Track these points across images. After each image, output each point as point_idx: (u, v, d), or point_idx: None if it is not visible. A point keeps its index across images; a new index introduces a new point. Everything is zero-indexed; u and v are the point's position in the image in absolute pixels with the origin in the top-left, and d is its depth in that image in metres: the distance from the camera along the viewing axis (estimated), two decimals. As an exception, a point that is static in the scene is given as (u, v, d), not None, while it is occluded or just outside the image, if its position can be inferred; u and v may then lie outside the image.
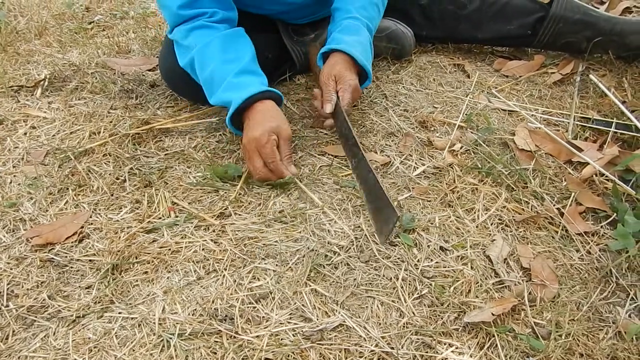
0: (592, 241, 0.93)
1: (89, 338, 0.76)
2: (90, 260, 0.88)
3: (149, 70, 1.44)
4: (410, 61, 1.39)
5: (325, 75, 1.08)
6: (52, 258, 0.88)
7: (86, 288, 0.83)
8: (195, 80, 1.11)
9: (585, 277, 0.87)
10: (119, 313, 0.79)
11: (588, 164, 1.04)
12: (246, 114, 1.02)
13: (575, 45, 1.35)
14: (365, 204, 0.94)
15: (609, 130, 1.13)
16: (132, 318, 0.78)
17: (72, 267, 0.87)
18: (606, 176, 1.02)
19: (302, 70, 1.33)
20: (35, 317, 0.79)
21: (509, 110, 1.22)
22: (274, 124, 0.98)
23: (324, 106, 1.07)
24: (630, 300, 0.84)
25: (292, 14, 1.27)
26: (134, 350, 0.74)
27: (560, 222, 0.95)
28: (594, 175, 1.04)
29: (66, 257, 0.88)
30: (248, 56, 1.07)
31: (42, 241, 0.91)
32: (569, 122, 1.18)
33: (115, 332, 0.76)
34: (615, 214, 0.96)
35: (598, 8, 1.39)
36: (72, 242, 0.91)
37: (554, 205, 0.98)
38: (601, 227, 0.95)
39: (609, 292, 0.85)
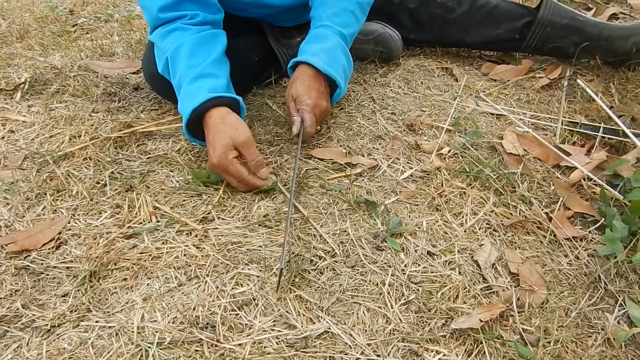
0: (580, 246, 0.92)
1: (64, 348, 0.73)
2: (67, 268, 0.85)
3: (133, 73, 1.41)
4: (398, 64, 1.38)
5: (287, 95, 1.07)
6: (28, 265, 0.85)
7: (62, 296, 0.81)
8: None
9: (574, 283, 0.86)
10: (96, 322, 0.76)
11: (576, 168, 1.04)
12: (203, 126, 0.98)
13: (562, 50, 1.35)
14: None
15: (597, 135, 1.13)
16: (109, 327, 0.75)
17: (48, 275, 0.84)
18: (594, 181, 1.02)
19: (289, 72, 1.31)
20: (8, 327, 0.76)
21: (497, 114, 1.21)
22: (225, 140, 0.93)
23: (291, 128, 1.05)
24: (619, 306, 0.83)
25: (277, 17, 1.26)
26: (110, 361, 0.71)
27: (548, 227, 0.94)
28: (582, 180, 1.03)
29: (42, 264, 0.85)
30: (211, 57, 1.02)
31: (17, 248, 0.88)
32: (556, 127, 1.17)
33: (92, 342, 0.73)
34: (603, 219, 0.96)
35: (585, 14, 1.39)
36: (48, 249, 0.88)
37: (542, 209, 0.97)
38: (589, 232, 0.95)
39: (598, 298, 0.84)
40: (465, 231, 0.91)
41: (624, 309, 0.82)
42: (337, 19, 1.11)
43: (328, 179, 1.00)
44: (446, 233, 0.90)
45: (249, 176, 0.95)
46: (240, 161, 0.95)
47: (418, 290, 0.80)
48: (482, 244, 0.89)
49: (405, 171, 1.03)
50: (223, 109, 0.97)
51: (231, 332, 0.74)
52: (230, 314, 0.76)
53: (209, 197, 0.96)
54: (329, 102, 1.08)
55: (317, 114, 1.04)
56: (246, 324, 0.75)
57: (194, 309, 0.77)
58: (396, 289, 0.81)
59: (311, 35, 1.11)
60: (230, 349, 0.72)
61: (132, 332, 0.74)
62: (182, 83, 1.00)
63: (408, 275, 0.82)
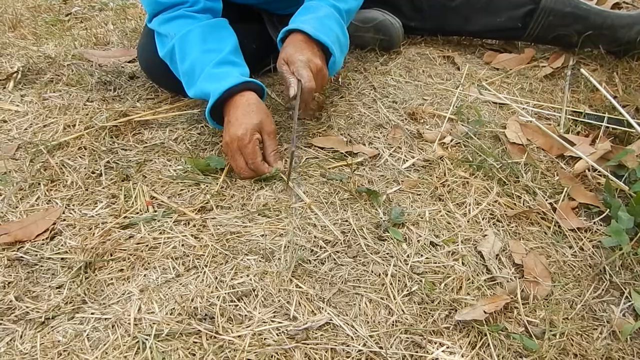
0: (585, 237, 0.90)
1: (59, 341, 0.71)
2: (62, 259, 0.83)
3: (128, 62, 1.38)
4: (398, 53, 1.35)
5: (278, 61, 1.01)
6: (21, 257, 0.83)
7: (57, 288, 0.78)
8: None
9: (579, 275, 0.84)
10: (92, 314, 0.74)
11: (580, 158, 1.02)
12: (226, 108, 0.97)
13: (565, 39, 1.33)
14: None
15: (601, 125, 1.11)
16: (105, 319, 0.73)
17: (42, 266, 0.82)
18: (599, 171, 1.00)
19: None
20: (1, 319, 0.74)
21: (499, 103, 1.19)
22: (256, 120, 0.93)
23: (288, 92, 0.98)
24: (625, 299, 0.81)
25: (275, 4, 1.24)
26: (106, 353, 0.69)
27: (552, 218, 0.92)
28: (587, 170, 1.01)
29: (36, 255, 0.83)
30: (229, 46, 1.02)
31: (10, 239, 0.85)
32: (560, 116, 1.15)
33: (87, 334, 0.71)
34: (608, 210, 0.94)
35: (588, 2, 1.37)
36: (43, 240, 0.86)
37: (546, 200, 0.95)
38: (594, 223, 0.93)
39: (603, 290, 0.83)
40: (468, 221, 0.89)
41: (630, 301, 0.81)
42: None
43: (329, 168, 0.98)
44: (449, 223, 0.89)
45: (260, 162, 0.94)
46: (259, 147, 0.94)
47: (421, 281, 0.79)
48: (486, 235, 0.87)
49: (407, 160, 1.01)
50: (254, 94, 0.97)
51: (230, 323, 0.72)
52: (230, 305, 0.74)
53: (207, 186, 0.94)
54: (325, 65, 1.02)
55: (313, 70, 0.97)
56: (246, 315, 0.73)
57: (192, 300, 0.75)
58: (399, 280, 0.79)
59: (302, 7, 1.08)
60: (229, 340, 0.70)
61: (129, 323, 0.72)
62: (203, 67, 0.98)
63: (411, 266, 0.81)
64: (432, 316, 0.75)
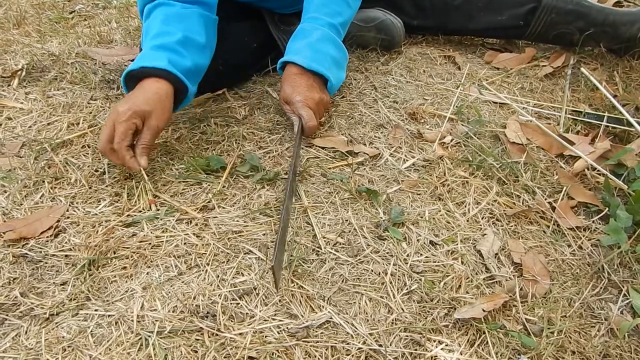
0: (583, 236, 0.91)
1: (63, 337, 0.72)
2: (66, 256, 0.84)
3: (131, 60, 1.39)
4: (400, 52, 1.36)
5: (280, 100, 1.06)
6: (26, 253, 0.84)
7: (61, 284, 0.80)
8: None
9: (577, 273, 0.85)
10: (95, 310, 0.75)
11: (580, 157, 1.03)
12: (138, 83, 0.94)
13: (567, 37, 1.33)
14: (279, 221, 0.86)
15: (601, 124, 1.12)
16: (109, 315, 0.74)
17: (46, 263, 0.83)
18: (598, 170, 1.01)
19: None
20: (7, 315, 0.75)
21: (500, 103, 1.20)
22: (147, 107, 0.89)
23: (294, 129, 1.03)
24: (623, 296, 0.82)
25: (276, 3, 1.24)
26: (110, 350, 0.70)
27: (551, 217, 0.93)
28: (586, 169, 1.02)
29: (40, 252, 0.84)
30: (179, 35, 0.98)
31: (15, 236, 0.86)
32: (560, 116, 1.16)
33: (91, 331, 0.73)
34: (607, 209, 0.95)
35: (590, 0, 1.37)
36: (47, 237, 0.87)
37: (545, 199, 0.96)
38: (593, 221, 0.94)
39: (601, 288, 0.83)
40: (467, 221, 0.90)
41: (628, 299, 0.82)
42: (325, 9, 1.09)
43: (329, 168, 0.99)
44: (449, 222, 0.90)
45: (124, 148, 0.89)
46: (132, 132, 0.90)
47: (420, 280, 0.80)
48: (485, 234, 0.88)
49: (407, 160, 1.02)
50: (168, 88, 0.94)
51: (232, 321, 0.73)
52: (231, 303, 0.75)
53: (209, 185, 0.95)
54: (323, 93, 1.06)
55: (312, 106, 1.02)
56: (247, 313, 0.74)
57: (194, 298, 0.76)
58: (398, 279, 0.80)
59: (297, 31, 1.09)
60: (231, 338, 0.71)
61: (132, 321, 0.73)
62: (145, 47, 0.97)
63: (410, 265, 0.82)
64: (432, 314, 0.76)
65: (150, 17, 1.03)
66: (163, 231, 0.87)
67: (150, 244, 0.85)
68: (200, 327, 0.72)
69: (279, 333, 0.72)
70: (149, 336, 0.71)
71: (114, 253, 0.84)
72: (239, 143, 1.05)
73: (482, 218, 0.91)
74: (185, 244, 0.84)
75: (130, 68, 0.94)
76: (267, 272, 0.80)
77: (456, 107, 1.16)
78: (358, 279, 0.79)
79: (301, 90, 1.02)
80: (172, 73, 0.94)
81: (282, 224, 0.79)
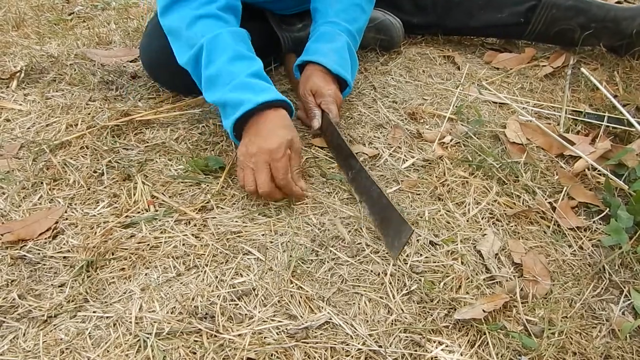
0: (584, 236, 0.90)
1: (61, 339, 0.72)
2: (64, 257, 0.83)
3: (130, 61, 1.39)
4: (399, 52, 1.36)
5: (302, 90, 1.05)
6: (24, 255, 0.84)
7: (59, 286, 0.79)
8: (182, 71, 1.01)
9: (578, 273, 0.85)
10: (94, 312, 0.75)
11: (580, 157, 1.02)
12: (253, 120, 0.91)
13: (568, 34, 1.33)
14: (369, 215, 0.88)
15: (601, 124, 1.11)
16: (107, 317, 0.74)
17: (44, 265, 0.82)
18: (598, 170, 1.00)
19: (288, 51, 1.28)
20: (4, 317, 0.75)
21: (499, 103, 1.20)
22: (289, 135, 0.89)
23: (311, 123, 1.03)
24: (624, 297, 0.82)
25: (278, 4, 1.24)
26: (108, 351, 0.70)
27: (552, 217, 0.92)
28: (586, 170, 1.01)
29: (39, 254, 0.84)
30: (260, 62, 0.98)
31: (13, 238, 0.86)
32: (560, 116, 1.16)
33: (89, 332, 0.72)
34: (607, 209, 0.94)
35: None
36: (45, 239, 0.86)
37: (545, 199, 0.95)
38: (593, 222, 0.93)
39: (602, 288, 0.83)
40: (467, 221, 0.90)
41: (629, 300, 0.81)
42: (344, 15, 1.09)
43: (329, 168, 0.99)
44: (448, 223, 0.89)
45: (290, 178, 0.89)
46: None
47: (420, 280, 0.79)
48: (485, 234, 0.88)
49: (407, 160, 1.01)
50: (285, 112, 0.94)
51: (231, 322, 0.73)
52: (230, 304, 0.75)
53: (208, 185, 0.95)
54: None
55: (338, 104, 1.03)
56: (246, 314, 0.74)
57: (192, 299, 0.76)
58: (398, 279, 0.79)
59: (320, 33, 1.09)
60: (229, 339, 0.71)
61: (130, 322, 0.73)
62: (234, 74, 0.92)
63: (410, 265, 0.81)
64: (432, 315, 0.75)
65: (198, 28, 0.96)
66: (161, 232, 0.86)
67: (148, 245, 0.84)
68: (199, 329, 0.72)
69: (278, 334, 0.71)
70: (148, 338, 0.70)
71: (113, 254, 0.83)
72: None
73: (482, 218, 0.91)
74: (183, 244, 0.84)
75: (247, 107, 0.89)
76: (266, 273, 0.79)
77: (456, 107, 1.16)
78: (357, 279, 0.79)
79: (331, 87, 1.03)
80: (283, 100, 0.93)
81: (386, 201, 0.83)
